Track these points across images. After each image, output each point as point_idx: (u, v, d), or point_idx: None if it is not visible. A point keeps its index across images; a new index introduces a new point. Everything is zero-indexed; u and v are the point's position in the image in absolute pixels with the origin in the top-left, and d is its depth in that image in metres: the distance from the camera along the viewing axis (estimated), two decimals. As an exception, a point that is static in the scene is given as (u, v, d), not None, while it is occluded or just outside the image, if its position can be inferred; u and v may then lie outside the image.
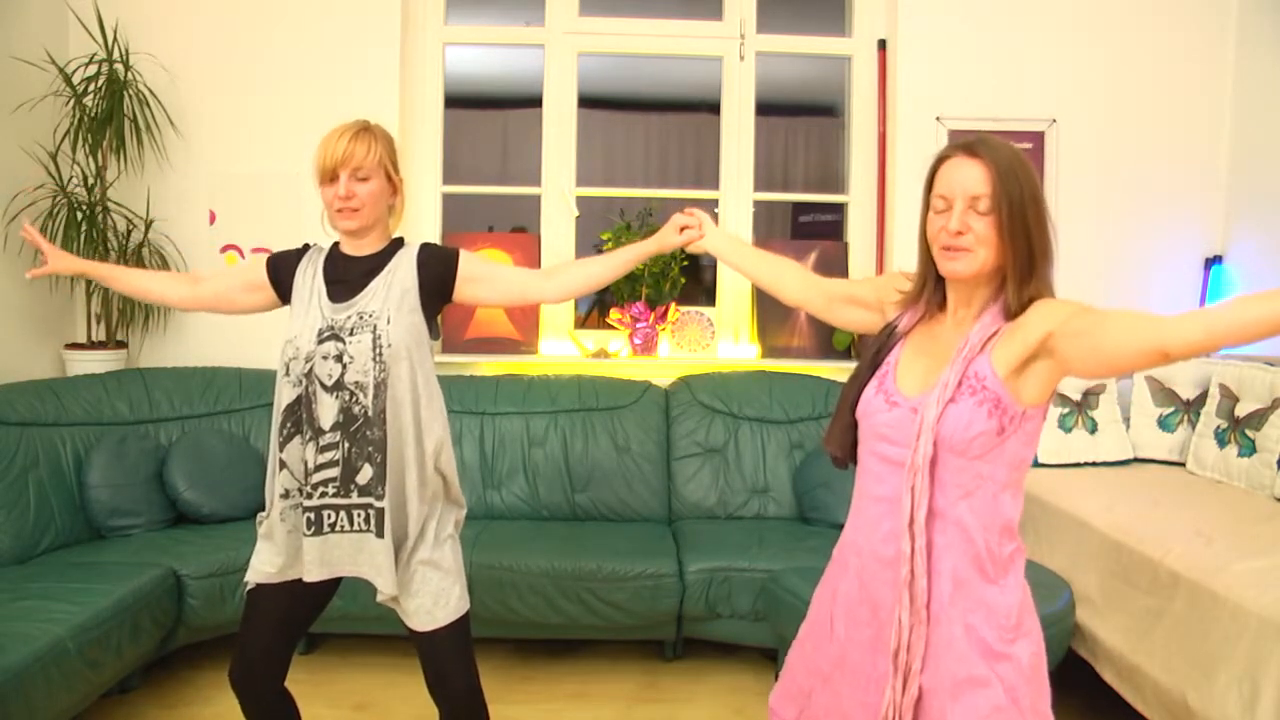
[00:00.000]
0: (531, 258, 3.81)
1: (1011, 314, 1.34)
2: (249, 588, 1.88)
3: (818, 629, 1.52)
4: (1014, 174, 1.32)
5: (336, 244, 1.94)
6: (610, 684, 2.92)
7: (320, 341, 1.79)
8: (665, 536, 3.13)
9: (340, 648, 3.11)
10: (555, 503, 3.37)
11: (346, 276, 1.87)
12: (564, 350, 3.81)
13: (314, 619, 1.97)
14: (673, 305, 3.74)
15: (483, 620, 2.86)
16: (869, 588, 1.40)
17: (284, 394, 1.82)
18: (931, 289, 1.45)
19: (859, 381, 1.46)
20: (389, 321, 1.80)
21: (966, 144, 1.36)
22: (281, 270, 1.95)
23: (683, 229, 1.89)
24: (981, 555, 1.33)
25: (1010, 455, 1.33)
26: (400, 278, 1.86)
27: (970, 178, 1.33)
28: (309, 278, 1.90)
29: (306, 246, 1.98)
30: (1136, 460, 3.34)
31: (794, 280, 1.74)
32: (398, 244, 1.93)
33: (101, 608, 2.38)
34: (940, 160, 1.39)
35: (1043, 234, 1.34)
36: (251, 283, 1.98)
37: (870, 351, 1.48)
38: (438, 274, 1.90)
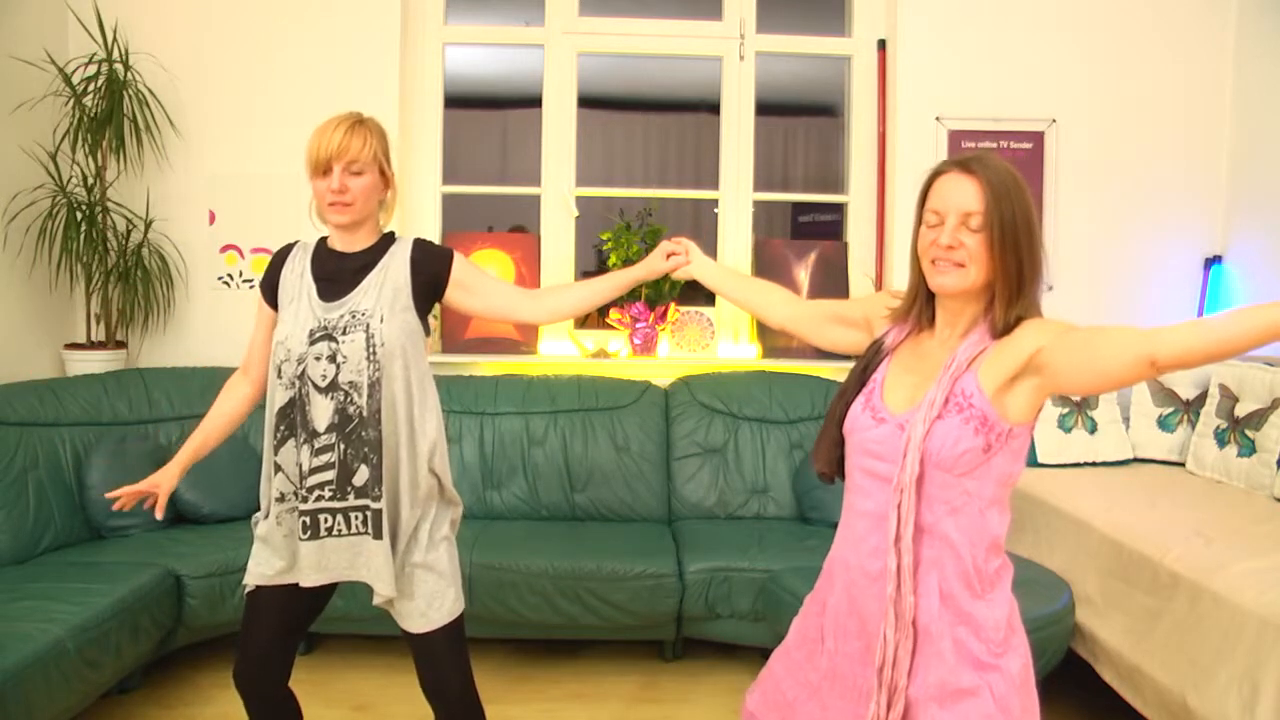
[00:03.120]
0: (531, 257, 3.81)
1: (998, 332, 1.34)
2: (248, 590, 1.87)
3: (807, 640, 1.53)
4: (1008, 193, 1.32)
5: (324, 239, 1.91)
6: (610, 684, 2.92)
7: (312, 342, 1.77)
8: (665, 536, 3.13)
9: (340, 648, 3.10)
10: (555, 503, 3.37)
11: (337, 274, 1.84)
12: (564, 350, 3.81)
13: (315, 618, 1.97)
14: (672, 305, 3.74)
15: (482, 620, 2.87)
16: (857, 602, 1.41)
17: (276, 396, 1.80)
18: (922, 304, 1.45)
19: (846, 397, 1.47)
20: (382, 320, 1.78)
21: (962, 160, 1.36)
22: (274, 286, 1.90)
23: (669, 255, 1.90)
24: (969, 571, 1.34)
25: (997, 472, 1.33)
26: (393, 275, 1.84)
27: (964, 194, 1.33)
28: (296, 275, 1.86)
29: (288, 247, 1.92)
30: (1136, 460, 3.34)
31: (780, 303, 1.75)
32: (389, 239, 1.90)
33: (101, 608, 2.38)
34: (935, 175, 1.39)
35: (1033, 254, 1.34)
36: (268, 326, 1.92)
37: (858, 368, 1.49)
38: (431, 274, 1.88)
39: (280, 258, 1.92)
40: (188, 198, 3.63)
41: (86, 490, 2.96)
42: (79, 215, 3.35)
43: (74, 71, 3.39)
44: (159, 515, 1.90)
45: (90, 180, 3.44)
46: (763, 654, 3.07)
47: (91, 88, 3.40)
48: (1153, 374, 1.19)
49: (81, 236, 3.34)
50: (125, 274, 3.46)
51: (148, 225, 3.54)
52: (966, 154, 1.39)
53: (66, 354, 3.49)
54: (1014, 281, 1.33)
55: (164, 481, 1.89)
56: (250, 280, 3.64)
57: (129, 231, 3.52)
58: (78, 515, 2.96)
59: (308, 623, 1.96)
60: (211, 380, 3.42)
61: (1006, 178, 1.33)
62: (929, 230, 1.37)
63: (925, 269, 1.39)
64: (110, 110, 3.38)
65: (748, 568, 2.87)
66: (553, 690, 2.88)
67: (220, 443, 1.97)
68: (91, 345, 3.51)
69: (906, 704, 1.33)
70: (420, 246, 1.90)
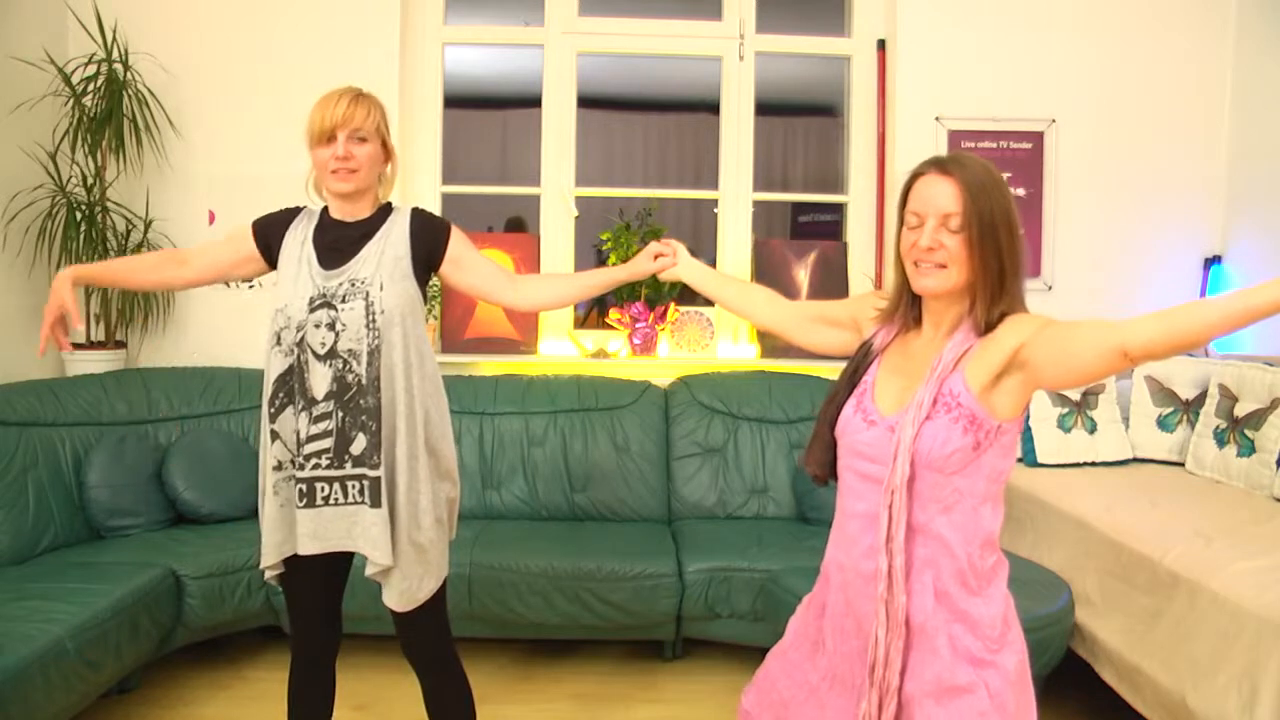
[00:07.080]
0: (531, 257, 3.81)
1: (982, 330, 1.35)
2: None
3: (805, 641, 1.54)
4: (986, 192, 1.33)
5: (326, 209, 1.93)
6: (610, 684, 2.92)
7: (312, 310, 1.79)
8: (664, 536, 3.13)
9: (340, 648, 3.10)
10: (554, 503, 3.37)
11: (338, 243, 1.86)
12: (563, 350, 3.81)
13: (345, 577, 1.99)
14: (672, 305, 3.74)
15: (482, 620, 2.87)
16: (853, 603, 1.42)
17: (274, 364, 1.82)
18: (907, 305, 1.46)
19: (837, 400, 1.47)
20: (381, 288, 1.80)
21: (939, 161, 1.37)
22: (270, 235, 1.92)
23: (657, 256, 1.91)
24: (964, 568, 1.34)
25: (988, 469, 1.34)
26: (393, 244, 1.86)
27: (942, 195, 1.34)
28: (298, 243, 1.88)
29: (297, 209, 1.95)
30: (1136, 460, 3.33)
31: (764, 305, 1.76)
32: (388, 209, 1.92)
33: (100, 608, 2.38)
34: (914, 177, 1.40)
35: (1014, 252, 1.35)
36: (242, 258, 1.95)
37: (848, 370, 1.50)
38: (429, 244, 1.91)
39: (288, 216, 1.93)
40: (187, 198, 3.63)
41: (86, 490, 2.96)
42: (79, 215, 3.35)
43: (74, 71, 3.39)
44: (78, 325, 1.85)
45: (90, 180, 3.44)
46: (763, 654, 3.05)
47: (91, 88, 3.40)
48: (1127, 365, 1.20)
49: (81, 236, 3.34)
50: (125, 274, 3.46)
51: (147, 225, 3.54)
52: (944, 155, 1.40)
53: (66, 354, 3.48)
54: (995, 279, 1.34)
55: (66, 296, 1.82)
56: (249, 280, 3.64)
57: (129, 231, 3.52)
58: (78, 515, 2.95)
59: (341, 584, 1.99)
60: (211, 380, 3.43)
61: (984, 176, 1.34)
62: (910, 232, 1.38)
63: (908, 271, 1.40)
64: (110, 110, 3.38)
65: (747, 568, 2.87)
66: (553, 690, 2.88)
67: (127, 285, 1.96)
68: (91, 345, 3.50)
69: (903, 701, 1.34)
70: (419, 217, 1.92)
